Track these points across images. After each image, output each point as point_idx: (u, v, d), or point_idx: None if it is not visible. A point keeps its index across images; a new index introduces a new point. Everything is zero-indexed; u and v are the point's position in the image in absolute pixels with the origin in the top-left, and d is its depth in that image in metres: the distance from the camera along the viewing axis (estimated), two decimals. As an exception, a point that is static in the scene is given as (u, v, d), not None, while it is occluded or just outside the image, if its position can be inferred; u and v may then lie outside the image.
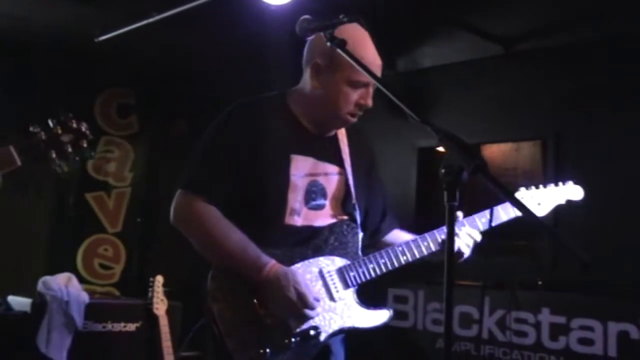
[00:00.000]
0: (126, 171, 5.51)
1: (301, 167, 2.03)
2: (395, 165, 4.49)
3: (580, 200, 2.32)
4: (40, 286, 3.83)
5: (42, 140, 2.19)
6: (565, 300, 3.50)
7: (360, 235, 2.11)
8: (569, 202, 2.31)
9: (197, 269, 2.10)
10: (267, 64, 4.28)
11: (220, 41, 4.33)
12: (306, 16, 1.79)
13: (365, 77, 1.92)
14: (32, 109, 4.71)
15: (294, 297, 1.88)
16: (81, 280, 4.40)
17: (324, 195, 2.07)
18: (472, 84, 4.47)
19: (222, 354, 1.89)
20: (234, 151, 1.99)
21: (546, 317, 3.50)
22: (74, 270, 4.72)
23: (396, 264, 2.03)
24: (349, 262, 2.03)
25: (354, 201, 2.09)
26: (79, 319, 3.76)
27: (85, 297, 3.87)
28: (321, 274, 1.99)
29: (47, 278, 3.89)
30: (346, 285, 2.00)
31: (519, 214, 2.16)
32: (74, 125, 2.23)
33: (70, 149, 2.21)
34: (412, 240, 2.07)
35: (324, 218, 2.06)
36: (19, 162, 2.16)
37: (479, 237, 2.09)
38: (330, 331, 1.96)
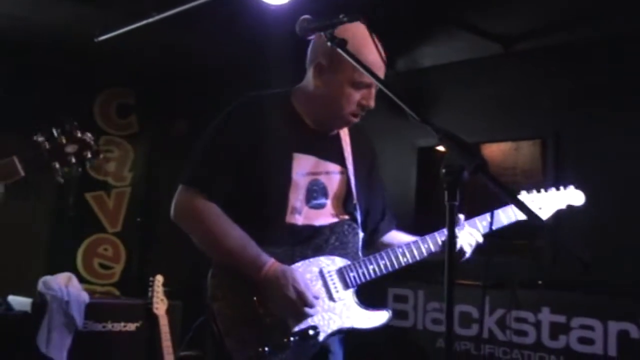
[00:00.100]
0: (126, 171, 5.51)
1: (303, 166, 2.03)
2: (395, 165, 4.49)
3: (581, 206, 2.33)
4: (40, 286, 3.83)
5: (46, 150, 2.17)
6: (565, 299, 3.50)
7: (361, 235, 2.12)
8: (569, 207, 2.32)
9: (197, 269, 2.10)
10: (267, 64, 4.28)
11: (220, 41, 4.32)
12: (306, 16, 1.79)
13: (368, 78, 1.93)
14: (32, 109, 4.72)
15: (293, 296, 1.88)
16: (81, 280, 4.40)
17: (325, 194, 2.07)
18: (471, 83, 4.47)
19: (222, 352, 1.89)
20: (234, 151, 1.99)
21: (546, 316, 3.50)
22: (74, 270, 4.73)
23: (396, 266, 2.04)
24: (349, 263, 2.03)
25: (355, 201, 2.10)
26: (79, 319, 3.77)
27: (85, 297, 3.87)
28: (321, 274, 2.00)
29: (48, 278, 3.89)
30: (346, 286, 2.01)
31: (520, 218, 2.18)
32: (79, 135, 2.21)
33: (74, 160, 2.19)
34: (413, 242, 2.08)
35: (324, 217, 2.06)
36: (22, 173, 2.14)
37: (480, 238, 2.10)
38: (329, 331, 1.96)
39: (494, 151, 4.61)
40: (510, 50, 4.24)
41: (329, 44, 1.74)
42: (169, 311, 4.03)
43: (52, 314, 3.70)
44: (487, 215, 2.13)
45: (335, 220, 2.07)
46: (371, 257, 2.04)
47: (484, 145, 4.54)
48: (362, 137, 2.19)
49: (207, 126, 2.08)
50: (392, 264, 2.03)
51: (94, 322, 3.86)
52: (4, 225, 4.47)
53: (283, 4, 3.47)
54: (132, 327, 3.98)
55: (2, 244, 4.59)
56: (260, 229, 1.96)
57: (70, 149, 2.19)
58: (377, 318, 2.03)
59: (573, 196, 2.33)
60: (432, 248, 2.07)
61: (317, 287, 1.98)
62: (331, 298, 1.99)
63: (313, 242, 2.02)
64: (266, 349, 1.86)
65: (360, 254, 2.09)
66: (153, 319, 3.97)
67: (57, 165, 2.18)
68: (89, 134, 2.25)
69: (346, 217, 2.09)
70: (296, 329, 1.91)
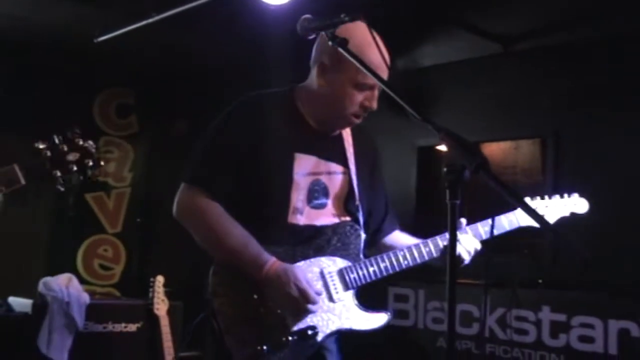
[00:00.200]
0: (126, 171, 5.51)
1: (304, 166, 2.03)
2: (395, 164, 4.49)
3: (585, 214, 2.33)
4: (40, 287, 3.83)
5: (47, 158, 2.16)
6: (565, 298, 3.50)
7: (363, 236, 2.12)
8: (573, 214, 2.32)
9: (198, 269, 2.10)
10: (266, 63, 4.28)
11: (220, 41, 4.32)
12: (307, 15, 1.79)
13: (371, 80, 1.94)
14: (31, 109, 4.72)
15: (295, 294, 1.89)
16: (81, 281, 4.40)
17: (326, 194, 2.07)
18: (471, 82, 4.47)
19: (221, 349, 1.91)
20: (235, 150, 1.99)
21: (546, 315, 3.51)
22: (74, 271, 4.72)
23: (397, 268, 2.05)
24: (350, 264, 2.03)
25: (357, 201, 2.10)
26: (79, 320, 3.76)
27: (86, 298, 3.87)
28: (322, 274, 2.00)
29: (48, 279, 3.89)
30: (346, 287, 2.01)
31: (522, 224, 2.19)
32: (80, 142, 2.20)
33: (75, 168, 2.18)
34: (414, 245, 2.08)
35: (325, 217, 2.06)
36: (23, 181, 2.13)
37: (479, 246, 2.11)
38: (328, 332, 1.97)
39: (494, 150, 4.61)
40: (510, 50, 4.24)
41: (330, 43, 1.74)
42: (169, 312, 4.03)
43: (53, 315, 3.70)
44: (489, 221, 2.14)
45: (336, 220, 2.08)
46: (372, 259, 2.05)
47: (483, 145, 4.54)
48: (365, 136, 2.19)
49: (207, 126, 2.08)
50: (392, 267, 2.04)
51: (94, 323, 3.86)
52: (3, 227, 4.47)
53: (283, 4, 3.47)
54: (132, 327, 3.98)
55: (2, 245, 4.59)
56: (262, 228, 1.97)
57: (71, 157, 2.18)
58: (376, 320, 2.04)
59: (577, 204, 2.34)
60: (434, 252, 2.08)
61: (318, 288, 1.98)
62: (331, 299, 1.99)
63: (315, 242, 2.03)
64: (265, 347, 1.87)
65: (361, 255, 2.09)
66: (154, 319, 3.97)
67: (59, 174, 2.17)
68: (90, 142, 2.23)
69: (347, 217, 2.10)
70: (295, 328, 1.92)
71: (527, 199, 2.29)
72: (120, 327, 3.94)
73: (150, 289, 4.03)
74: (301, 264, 1.99)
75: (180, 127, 5.29)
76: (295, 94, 2.09)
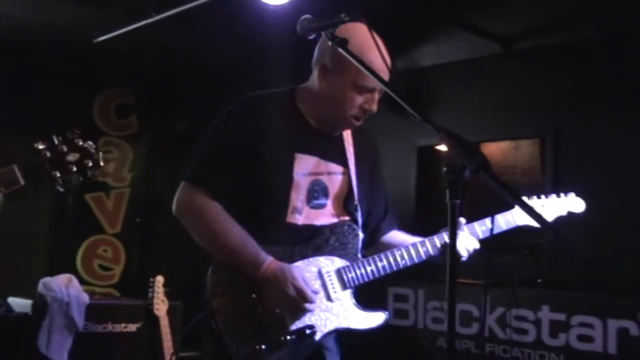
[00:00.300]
0: (125, 171, 5.51)
1: (304, 166, 2.04)
2: (394, 164, 4.49)
3: (582, 213, 2.34)
4: (40, 287, 3.83)
5: (47, 159, 2.15)
6: (565, 297, 3.51)
7: (361, 236, 2.13)
8: (570, 213, 2.33)
9: (198, 269, 2.10)
10: (266, 63, 4.28)
11: (220, 41, 4.32)
12: (307, 15, 1.79)
13: (371, 83, 1.95)
14: (31, 110, 4.72)
15: (293, 293, 1.90)
16: (81, 281, 4.39)
17: (325, 194, 2.08)
18: (471, 82, 4.47)
19: (220, 348, 1.92)
20: (235, 150, 2.00)
21: (546, 314, 3.51)
22: (73, 271, 4.72)
23: (394, 268, 2.06)
24: (348, 264, 2.04)
25: (356, 202, 2.11)
26: (79, 320, 3.76)
27: (85, 298, 3.87)
28: (320, 274, 2.01)
29: (48, 279, 3.89)
30: (344, 287, 2.02)
31: (519, 223, 2.20)
32: (80, 143, 2.20)
33: (75, 169, 2.18)
34: (412, 244, 2.09)
35: (325, 217, 2.07)
36: (22, 182, 2.13)
37: (477, 245, 2.12)
38: (326, 331, 1.98)
39: (494, 150, 4.62)
40: (510, 50, 4.24)
41: (329, 43, 1.74)
42: (169, 312, 4.03)
43: (53, 316, 3.70)
44: (487, 220, 2.15)
45: (335, 220, 2.08)
46: (370, 258, 2.06)
47: (483, 144, 4.54)
48: (365, 137, 2.19)
49: (207, 126, 2.08)
50: (390, 266, 2.05)
51: (94, 323, 3.86)
52: (3, 227, 4.46)
53: (283, 4, 3.47)
54: (132, 328, 3.98)
55: (2, 245, 4.59)
56: (260, 228, 1.98)
57: (71, 157, 2.18)
58: (374, 319, 2.05)
59: (574, 203, 2.34)
60: (431, 251, 2.09)
61: (315, 287, 1.99)
62: (329, 298, 2.00)
63: (313, 242, 2.04)
64: (263, 346, 1.89)
65: (359, 255, 2.10)
66: (154, 319, 3.97)
67: (58, 175, 2.17)
68: (90, 142, 2.23)
69: (346, 217, 2.10)
70: (293, 327, 1.93)
71: (524, 198, 2.29)
72: (120, 327, 3.94)
73: (150, 289, 4.03)
74: (299, 263, 2.00)
75: (181, 126, 5.29)
76: (296, 95, 2.10)
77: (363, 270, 2.03)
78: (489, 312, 3.68)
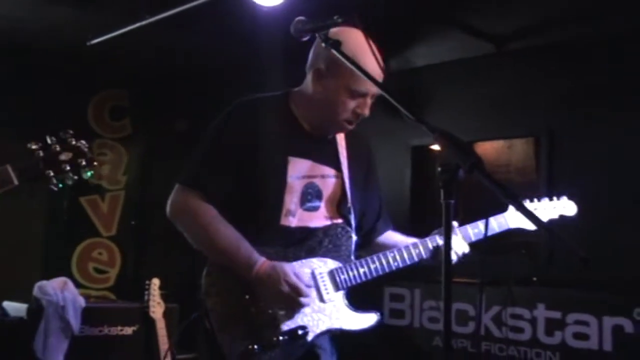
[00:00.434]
0: (120, 174, 5.50)
1: (298, 169, 2.06)
2: (389, 164, 4.50)
3: (574, 216, 2.35)
4: (36, 291, 3.82)
5: (40, 158, 2.16)
6: (560, 295, 3.52)
7: (354, 238, 2.14)
8: (562, 217, 2.34)
9: (193, 271, 2.11)
10: (261, 65, 4.29)
11: (214, 43, 4.33)
12: (301, 17, 1.80)
13: (364, 88, 1.97)
14: (25, 112, 4.71)
15: (287, 290, 1.92)
16: (76, 285, 4.38)
17: (319, 197, 2.09)
18: (464, 82, 4.49)
19: (213, 348, 1.94)
20: (233, 151, 2.02)
21: (542, 312, 3.52)
22: (68, 275, 4.70)
23: (387, 269, 2.07)
24: (341, 265, 2.06)
25: (349, 204, 2.13)
26: (75, 324, 3.75)
27: (81, 301, 3.86)
28: (313, 275, 2.03)
29: (43, 283, 3.88)
30: (336, 288, 2.04)
31: (511, 226, 2.22)
32: (73, 142, 2.21)
33: (68, 168, 2.19)
34: (404, 247, 2.11)
35: (318, 219, 2.09)
36: (16, 182, 2.14)
37: (467, 249, 2.14)
38: (318, 331, 2.00)
39: (488, 149, 4.63)
40: (503, 50, 4.26)
41: (323, 45, 1.75)
42: (165, 314, 4.02)
43: (49, 319, 3.69)
44: (479, 223, 2.17)
45: (328, 222, 2.10)
46: (362, 260, 2.07)
47: (477, 144, 4.56)
48: (359, 140, 2.21)
49: (203, 127, 2.09)
50: (382, 268, 2.07)
51: (90, 327, 3.85)
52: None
53: (276, 5, 3.47)
54: (128, 331, 3.97)
55: (-4, 249, 4.58)
56: (254, 230, 2.00)
57: (64, 156, 2.18)
58: (366, 320, 2.07)
59: (566, 207, 2.36)
60: (423, 253, 2.11)
61: (307, 281, 2.00)
62: (321, 299, 2.02)
63: (306, 244, 2.06)
64: (256, 346, 1.91)
65: (352, 257, 2.12)
66: (150, 322, 3.97)
67: (52, 174, 2.17)
68: (83, 142, 2.24)
69: (340, 220, 2.12)
70: (286, 328, 1.95)
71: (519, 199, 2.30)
72: (116, 330, 3.94)
73: (146, 292, 4.02)
74: (293, 264, 2.01)
75: (177, 127, 5.28)
76: (290, 98, 2.12)
77: (356, 272, 2.05)
78: (484, 310, 3.69)
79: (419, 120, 1.49)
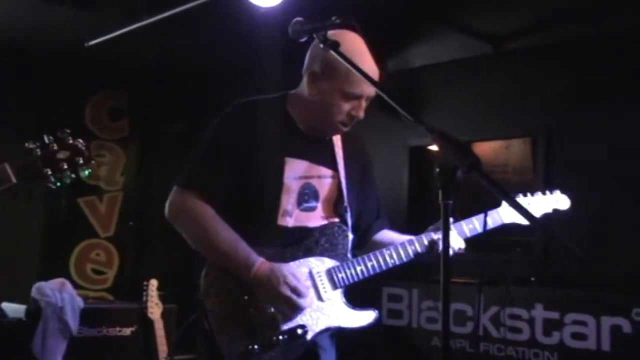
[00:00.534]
0: (118, 175, 5.49)
1: (295, 170, 2.07)
2: (387, 164, 4.51)
3: (567, 209, 2.36)
4: (34, 292, 3.82)
5: (37, 157, 2.18)
6: (558, 295, 3.53)
7: (351, 237, 2.16)
8: (555, 211, 2.35)
9: (191, 272, 2.11)
10: (259, 66, 4.29)
11: (212, 44, 4.33)
12: (299, 18, 1.81)
13: (359, 90, 1.99)
14: (23, 112, 4.71)
15: (286, 292, 1.94)
16: (74, 286, 4.38)
17: (316, 197, 2.11)
18: (462, 82, 4.49)
19: (213, 348, 1.95)
20: (232, 151, 2.03)
21: (540, 312, 3.53)
22: (66, 276, 4.70)
23: (384, 267, 2.09)
24: (338, 264, 2.07)
25: (345, 204, 2.14)
26: (73, 325, 3.75)
27: (80, 302, 3.86)
28: (311, 275, 2.04)
29: (41, 284, 3.87)
30: (334, 286, 2.05)
31: (505, 221, 2.23)
32: (70, 141, 2.22)
33: (66, 166, 2.20)
34: (400, 244, 2.12)
35: (315, 219, 2.10)
36: (14, 180, 2.15)
37: (462, 244, 2.14)
38: (317, 330, 2.01)
39: (485, 149, 4.64)
40: (501, 50, 4.27)
41: (321, 45, 1.76)
42: (163, 315, 4.02)
43: (47, 320, 3.69)
44: (474, 219, 2.18)
45: (325, 222, 2.12)
46: (359, 258, 2.09)
47: (475, 144, 4.56)
48: (355, 141, 2.23)
49: (201, 128, 2.11)
50: (379, 265, 2.08)
51: (88, 328, 3.85)
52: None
53: (274, 6, 3.47)
54: (127, 331, 3.97)
55: (-6, 251, 4.58)
56: (252, 230, 2.01)
57: (61, 155, 2.20)
58: (364, 317, 2.08)
59: (559, 200, 2.37)
60: (419, 249, 2.12)
61: (307, 285, 2.01)
62: (320, 298, 2.03)
63: (303, 243, 2.07)
64: (256, 346, 1.91)
65: (349, 255, 2.13)
66: (148, 323, 3.96)
67: (49, 172, 2.18)
68: (80, 140, 2.25)
69: (336, 219, 2.14)
70: (285, 327, 1.96)
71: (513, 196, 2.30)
72: (115, 331, 3.93)
73: (144, 293, 4.02)
74: (291, 264, 2.03)
75: (176, 128, 5.28)
76: (287, 100, 2.14)
77: (353, 271, 2.06)
78: (483, 311, 3.69)
79: (417, 120, 1.50)
